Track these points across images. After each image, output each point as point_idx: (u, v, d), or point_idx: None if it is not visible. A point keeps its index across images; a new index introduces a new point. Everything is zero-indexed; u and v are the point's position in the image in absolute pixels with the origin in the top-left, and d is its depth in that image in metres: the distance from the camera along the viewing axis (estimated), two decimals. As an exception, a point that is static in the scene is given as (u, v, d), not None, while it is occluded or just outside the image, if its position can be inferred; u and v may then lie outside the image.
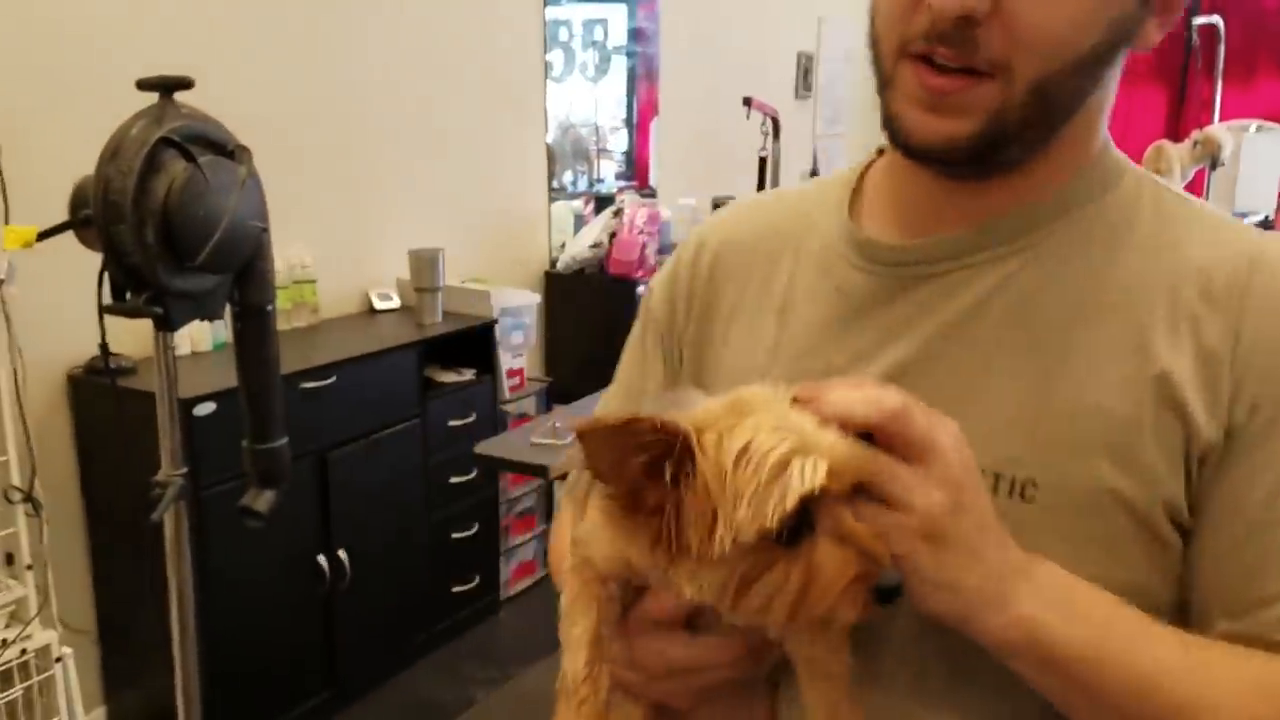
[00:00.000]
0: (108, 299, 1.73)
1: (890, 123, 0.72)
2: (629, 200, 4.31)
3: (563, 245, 4.22)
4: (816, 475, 0.59)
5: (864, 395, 0.64)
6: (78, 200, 1.67)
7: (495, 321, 3.43)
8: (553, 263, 4.23)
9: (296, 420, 2.66)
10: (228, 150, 1.75)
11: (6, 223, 1.59)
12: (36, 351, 2.44)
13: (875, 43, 0.72)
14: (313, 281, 3.18)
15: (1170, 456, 0.68)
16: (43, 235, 1.60)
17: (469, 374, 3.35)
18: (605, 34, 4.51)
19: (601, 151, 4.63)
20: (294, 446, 2.50)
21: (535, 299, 3.89)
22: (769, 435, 0.60)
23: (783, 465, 0.59)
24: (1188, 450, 0.68)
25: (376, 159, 3.43)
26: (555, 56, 4.23)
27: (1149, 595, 0.68)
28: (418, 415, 3.06)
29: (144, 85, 1.68)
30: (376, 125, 3.41)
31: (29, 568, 1.68)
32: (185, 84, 1.70)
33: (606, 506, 0.64)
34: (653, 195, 4.67)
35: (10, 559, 1.68)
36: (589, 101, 4.50)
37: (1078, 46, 0.67)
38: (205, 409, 2.38)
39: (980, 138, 0.68)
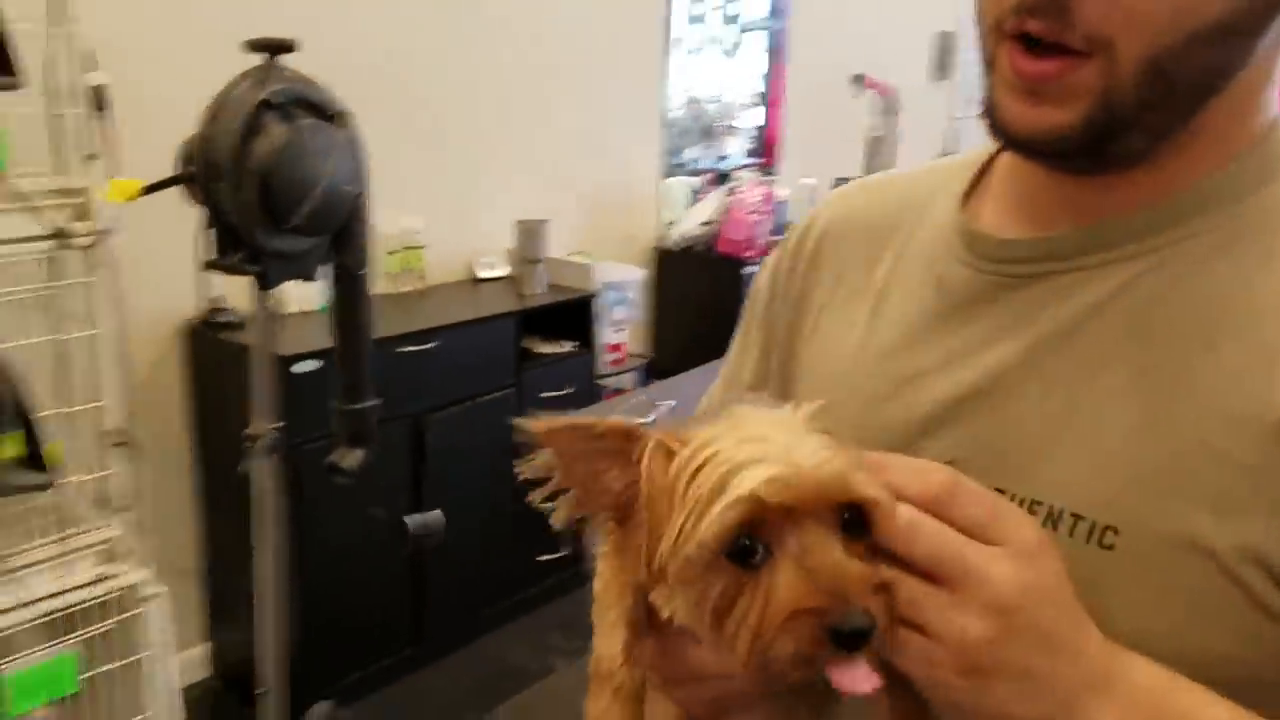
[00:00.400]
0: (211, 255, 1.79)
1: (990, 112, 0.63)
2: (745, 178, 4.26)
3: (673, 222, 4.20)
4: (757, 482, 0.50)
5: (910, 465, 0.54)
6: (184, 158, 1.73)
7: (595, 295, 3.44)
8: (663, 239, 4.22)
9: (394, 383, 2.73)
10: (328, 114, 1.78)
11: (115, 177, 1.64)
12: (153, 301, 2.55)
13: (978, 20, 0.64)
14: (421, 248, 3.24)
15: None
16: (147, 190, 1.65)
17: (567, 346, 3.36)
18: (742, 8, 4.46)
19: (730, 128, 4.59)
20: (390, 409, 2.57)
21: (640, 274, 3.88)
22: (731, 445, 0.52)
23: (732, 474, 0.51)
24: None
25: (489, 129, 3.46)
26: (690, 30, 4.20)
27: (1249, 669, 0.58)
28: (513, 384, 3.10)
29: (251, 47, 1.73)
30: (490, 95, 3.44)
31: (123, 508, 1.75)
32: (289, 47, 1.73)
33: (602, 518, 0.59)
34: (772, 174, 4.61)
35: (107, 501, 1.76)
36: (721, 77, 4.46)
37: (1199, 16, 0.56)
38: (305, 367, 2.45)
39: (1088, 127, 0.59)
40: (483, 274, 3.48)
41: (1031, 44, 0.59)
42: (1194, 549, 0.58)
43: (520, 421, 0.56)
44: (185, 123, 1.69)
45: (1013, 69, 0.60)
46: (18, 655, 1.63)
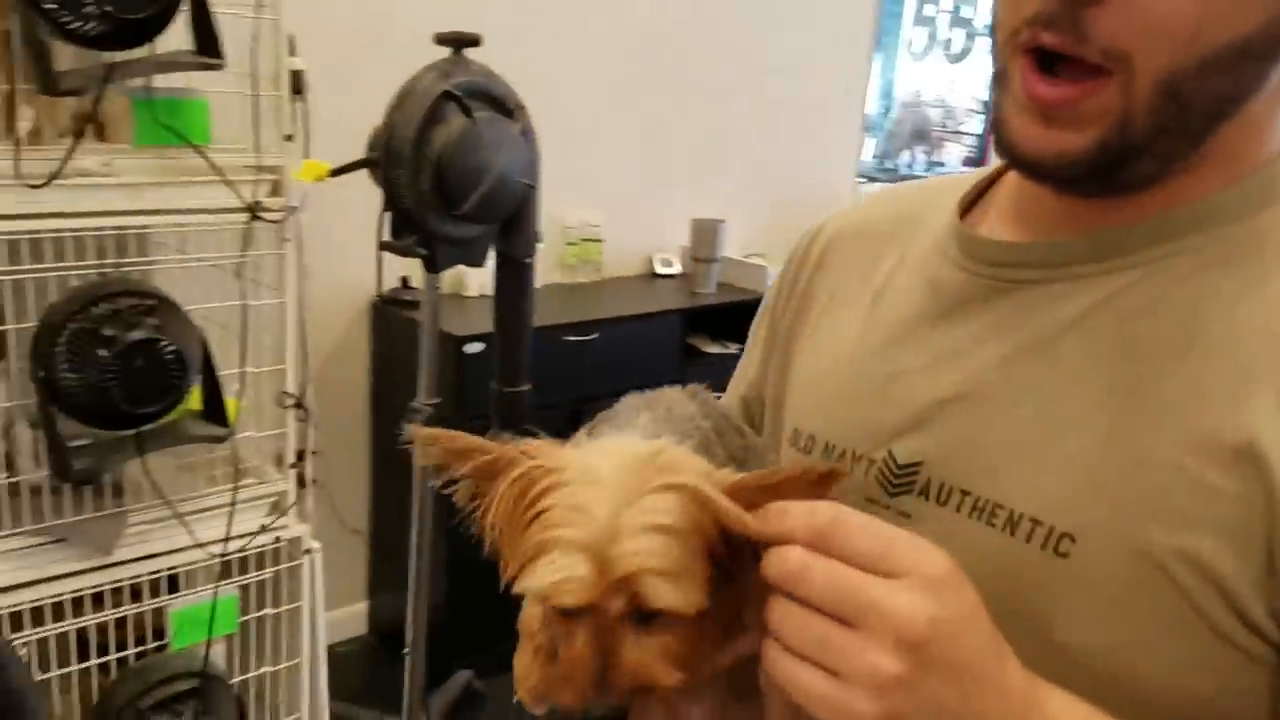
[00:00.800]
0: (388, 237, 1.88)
1: (998, 129, 0.62)
2: (937, 184, 4.12)
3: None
4: (548, 581, 0.54)
5: (799, 507, 0.53)
6: (371, 143, 1.83)
7: (770, 299, 3.40)
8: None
9: (555, 371, 2.80)
10: (506, 108, 1.84)
11: (307, 157, 1.75)
12: (348, 275, 2.71)
13: (992, 31, 0.63)
14: (599, 241, 3.31)
15: (1246, 545, 0.55)
16: (335, 172, 1.76)
17: (734, 347, 3.35)
18: (975, 11, 4.32)
19: (952, 134, 4.46)
20: (550, 395, 2.63)
21: (818, 280, 3.81)
22: (562, 506, 0.55)
23: (541, 549, 0.55)
24: (1273, 545, 0.55)
25: (677, 125, 3.49)
26: (917, 33, 4.12)
27: (1198, 697, 0.56)
28: (676, 382, 3.10)
29: (440, 40, 1.80)
30: (678, 93, 3.46)
31: (292, 466, 1.87)
32: (474, 41, 1.80)
33: None
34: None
35: (280, 458, 1.88)
36: (945, 81, 4.35)
37: (1216, 36, 0.55)
38: (475, 348, 2.54)
39: (1101, 152, 0.58)
40: (660, 270, 3.52)
41: (1046, 64, 0.58)
42: (1147, 561, 0.57)
43: (411, 428, 0.60)
44: (377, 109, 1.79)
45: (1026, 92, 0.60)
46: (186, 593, 1.77)
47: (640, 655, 0.55)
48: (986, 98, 4.45)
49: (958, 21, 4.29)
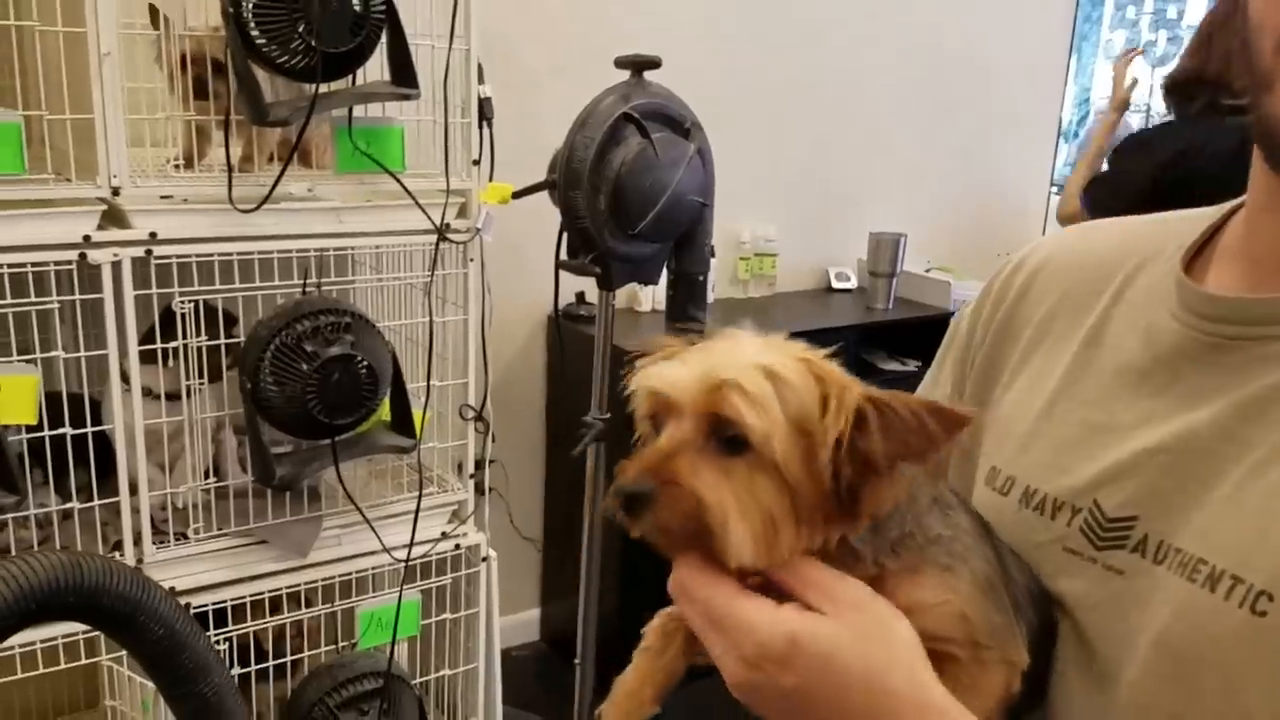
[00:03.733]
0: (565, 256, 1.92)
1: (1268, 135, 0.58)
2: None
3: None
4: (644, 384, 0.60)
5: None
6: (552, 166, 1.87)
7: (951, 314, 3.29)
8: (1041, 259, 3.95)
9: (728, 386, 2.77)
10: (684, 127, 1.85)
11: (491, 180, 1.81)
12: (528, 292, 2.79)
13: (1252, 32, 0.58)
14: (774, 255, 3.28)
15: None
16: (517, 194, 1.81)
17: (912, 364, 3.25)
18: (1180, 14, 4.08)
19: None
20: (722, 411, 2.63)
21: (1003, 296, 3.65)
22: (689, 355, 0.60)
23: (665, 357, 0.61)
24: None
25: (854, 136, 3.42)
26: (1115, 36, 3.92)
27: None
28: (850, 400, 3.04)
29: (620, 64, 1.83)
30: (855, 102, 3.39)
31: (471, 475, 1.94)
32: (654, 64, 1.82)
33: None
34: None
35: (460, 468, 1.95)
36: (1146, 86, 4.12)
37: None
38: (647, 363, 2.56)
39: None
40: (837, 284, 3.46)
41: None
42: None
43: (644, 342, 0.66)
44: (558, 133, 1.83)
45: None
46: (374, 595, 1.86)
47: (695, 470, 0.58)
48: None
49: (1161, 23, 4.03)
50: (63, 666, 1.60)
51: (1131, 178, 2.52)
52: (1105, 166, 2.75)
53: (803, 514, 0.58)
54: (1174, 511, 0.63)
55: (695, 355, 0.59)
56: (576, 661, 2.28)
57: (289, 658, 1.82)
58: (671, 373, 0.59)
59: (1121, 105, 2.97)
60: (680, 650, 0.69)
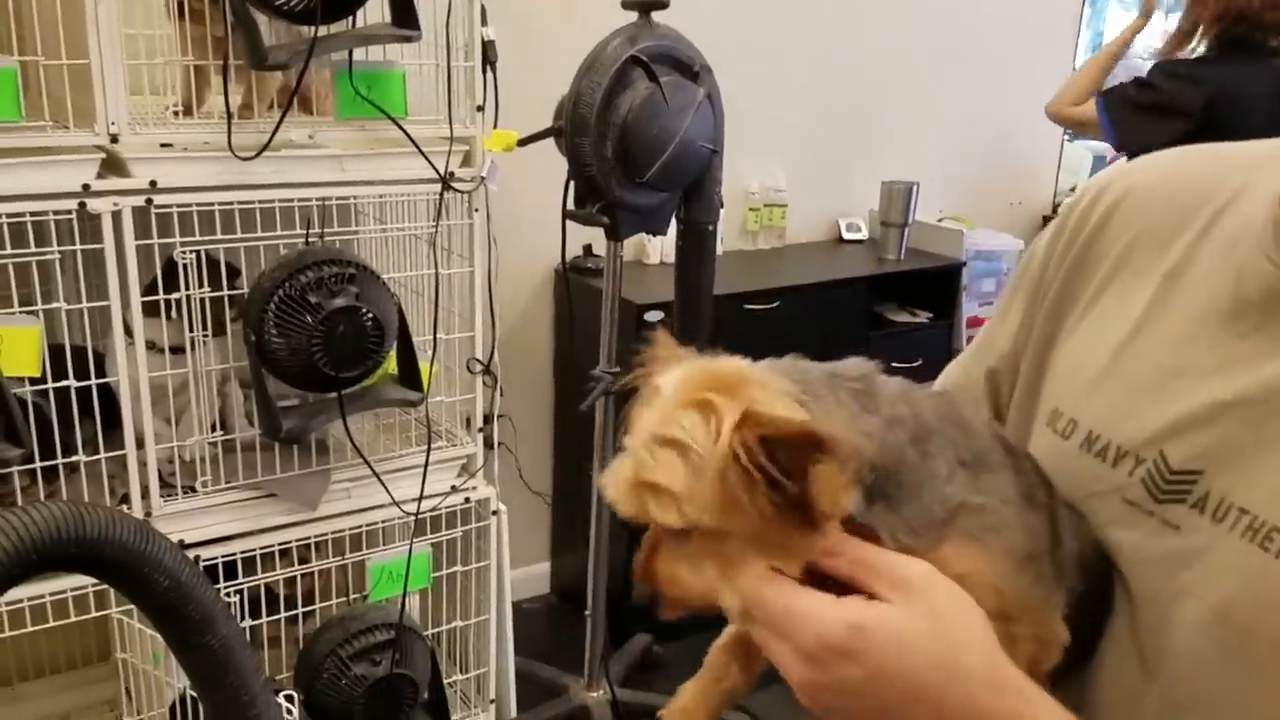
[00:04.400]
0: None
1: None
2: (1150, 145, 3.82)
3: (1072, 188, 3.86)
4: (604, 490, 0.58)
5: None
6: (558, 112, 1.84)
7: (963, 264, 3.25)
8: (1055, 207, 3.89)
9: (736, 341, 2.73)
10: (692, 71, 1.80)
11: (495, 127, 1.77)
12: (535, 244, 2.76)
13: None
14: (783, 206, 3.23)
15: None
16: (522, 141, 1.77)
17: (924, 316, 3.22)
18: None
19: None
20: (731, 363, 2.60)
21: (1018, 245, 3.60)
22: (636, 433, 0.57)
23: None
24: None
25: (865, 84, 3.36)
26: None
27: None
28: (860, 351, 3.00)
29: (627, 4, 1.79)
30: (867, 49, 3.33)
31: (479, 429, 1.92)
32: (662, 4, 1.77)
33: None
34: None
35: (468, 422, 1.93)
36: (1162, 32, 4.03)
37: None
38: (656, 316, 2.54)
39: None
40: (847, 235, 3.41)
41: None
42: None
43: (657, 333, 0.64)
44: (564, 78, 1.79)
45: None
46: (385, 548, 1.86)
47: (667, 563, 0.59)
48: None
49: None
50: (73, 619, 1.60)
51: (1180, 103, 2.42)
52: (1131, 88, 2.58)
53: (776, 541, 0.56)
54: (1245, 469, 0.59)
55: (628, 441, 0.58)
56: (587, 613, 2.29)
57: (300, 609, 1.82)
58: (613, 480, 0.58)
59: (1149, 10, 2.88)
60: (740, 673, 0.69)
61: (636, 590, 0.61)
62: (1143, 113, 2.50)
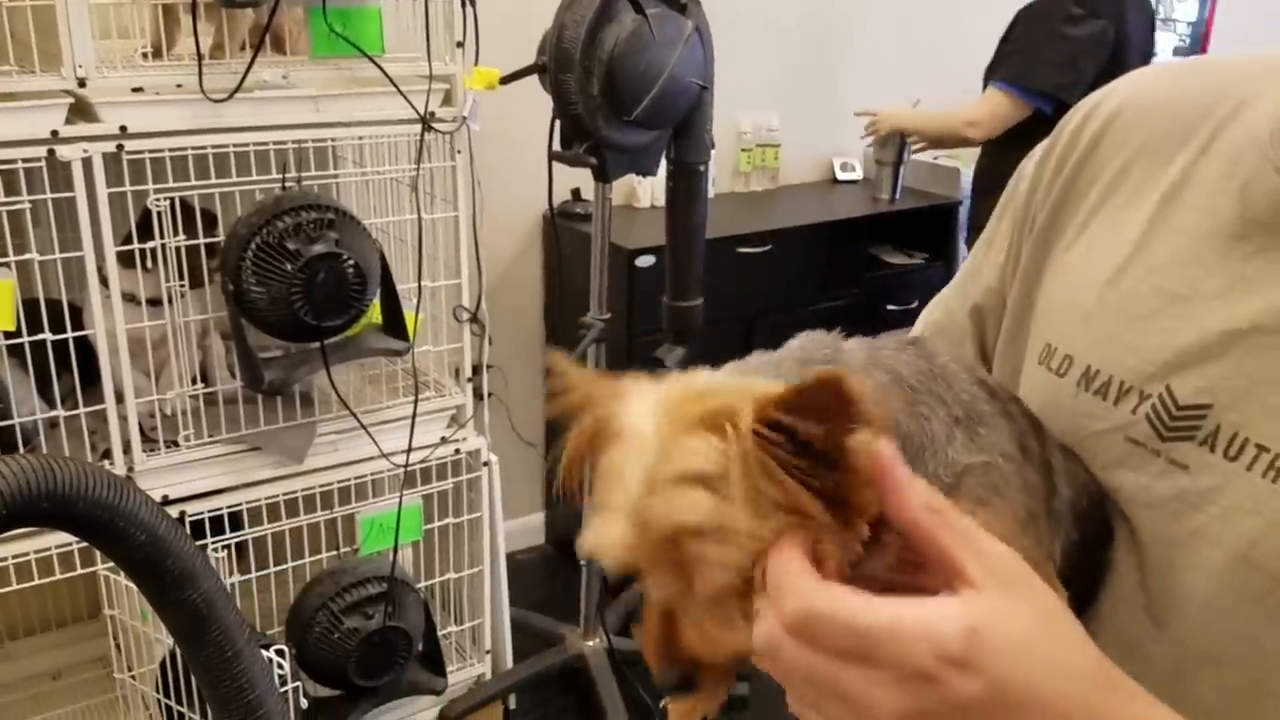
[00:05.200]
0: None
1: None
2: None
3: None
4: (592, 545, 0.48)
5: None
6: (541, 48, 1.77)
7: (960, 203, 3.20)
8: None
9: (729, 285, 2.72)
10: (679, 3, 1.74)
11: (476, 65, 1.71)
12: (522, 188, 2.70)
13: None
14: (776, 146, 3.17)
15: None
16: (505, 79, 1.71)
17: (920, 257, 3.17)
18: None
19: (1163, 20, 4.05)
20: (723, 310, 2.56)
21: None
22: (604, 470, 0.48)
23: (592, 511, 0.48)
24: None
25: (859, 18, 3.28)
26: None
27: None
28: (854, 294, 2.97)
29: (610, -66, 1.71)
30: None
31: (469, 380, 1.89)
32: (647, -67, 1.70)
33: None
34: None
35: (458, 373, 1.90)
36: None
37: None
38: (646, 261, 2.49)
39: None
40: (841, 175, 3.36)
41: None
42: None
43: (555, 357, 0.54)
44: (547, 13, 1.73)
45: None
46: (373, 501, 1.83)
47: (695, 627, 0.48)
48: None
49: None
50: (58, 577, 1.58)
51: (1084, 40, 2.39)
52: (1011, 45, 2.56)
53: (821, 545, 0.47)
54: (1261, 402, 0.54)
55: (609, 494, 0.48)
56: (582, 562, 2.28)
57: (290, 564, 1.80)
58: (605, 542, 0.48)
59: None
60: None
61: (662, 679, 0.50)
62: (1054, 64, 2.45)
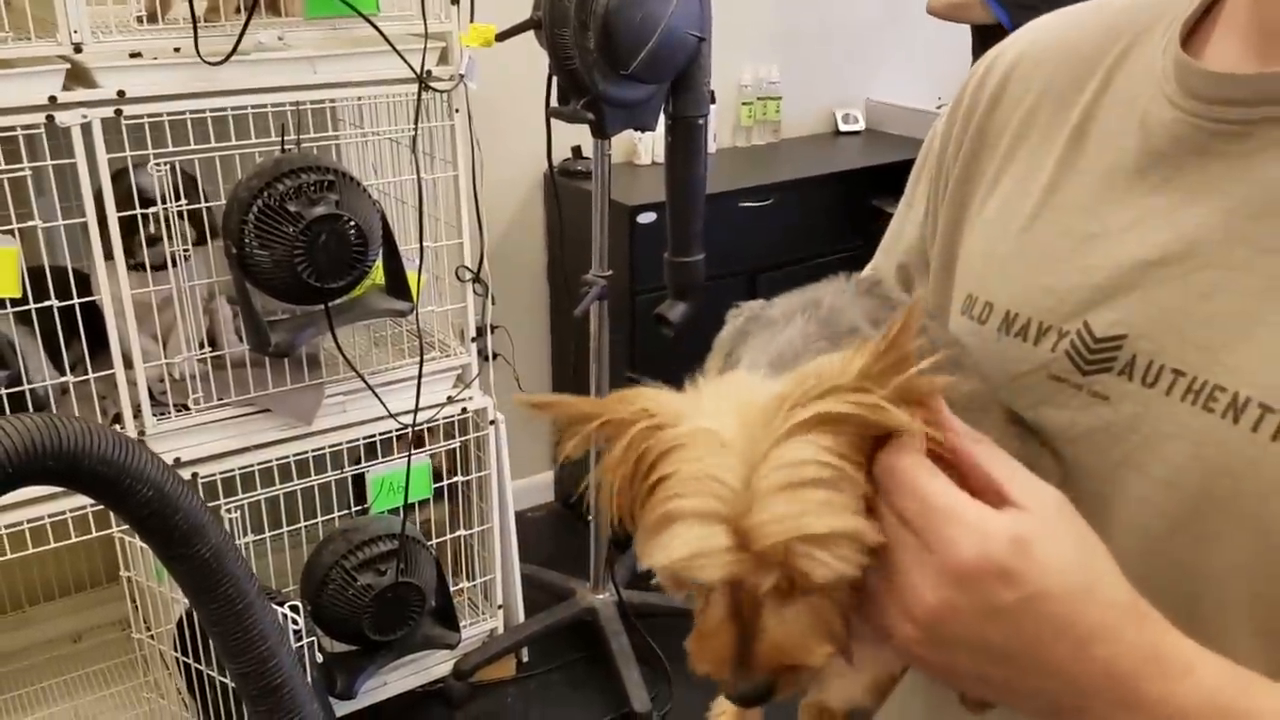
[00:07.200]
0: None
1: None
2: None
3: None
4: (678, 556, 0.46)
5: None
6: (536, 3, 1.76)
7: (963, 155, 3.18)
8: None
9: (731, 239, 2.71)
10: (675, -46, 1.72)
11: (472, 21, 1.70)
12: (524, 146, 2.69)
13: None
14: (777, 99, 3.15)
15: None
16: (501, 35, 1.71)
17: (923, 209, 3.16)
18: None
19: None
20: (725, 265, 2.56)
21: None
22: (687, 473, 0.46)
23: (667, 520, 0.47)
24: None
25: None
26: None
27: None
28: (859, 246, 2.97)
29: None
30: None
31: (473, 339, 1.90)
32: (640, -117, 1.68)
33: None
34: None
35: (462, 333, 1.91)
36: None
37: None
38: (648, 217, 2.49)
39: None
40: (844, 127, 3.33)
41: None
42: None
43: (520, 398, 0.52)
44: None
45: None
46: (383, 460, 1.85)
47: (787, 630, 0.48)
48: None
49: None
50: (75, 540, 1.60)
51: None
52: None
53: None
54: (1175, 328, 0.55)
55: (700, 504, 0.46)
56: (590, 518, 2.30)
57: (303, 524, 1.82)
58: (702, 554, 0.46)
59: None
60: None
61: (740, 690, 0.49)
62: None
